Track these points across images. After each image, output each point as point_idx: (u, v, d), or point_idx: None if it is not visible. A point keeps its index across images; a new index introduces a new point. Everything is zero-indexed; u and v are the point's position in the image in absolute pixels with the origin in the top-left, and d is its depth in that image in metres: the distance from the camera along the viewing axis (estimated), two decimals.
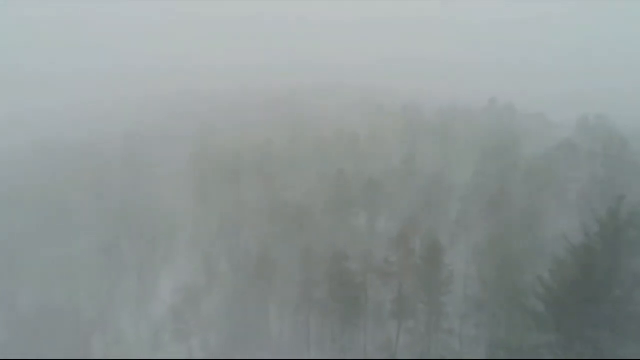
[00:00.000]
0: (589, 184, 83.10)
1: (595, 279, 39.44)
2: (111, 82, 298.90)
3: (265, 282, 71.65)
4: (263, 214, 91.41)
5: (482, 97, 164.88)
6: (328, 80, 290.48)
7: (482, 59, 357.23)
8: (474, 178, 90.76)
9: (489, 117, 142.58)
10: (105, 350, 77.56)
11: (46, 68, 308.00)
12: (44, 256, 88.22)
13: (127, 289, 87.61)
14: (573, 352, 38.67)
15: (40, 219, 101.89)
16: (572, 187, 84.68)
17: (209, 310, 78.19)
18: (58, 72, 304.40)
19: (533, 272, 62.14)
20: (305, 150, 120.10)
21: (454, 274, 58.95)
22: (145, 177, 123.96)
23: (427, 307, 54.64)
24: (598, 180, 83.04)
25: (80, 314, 78.27)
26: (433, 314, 56.07)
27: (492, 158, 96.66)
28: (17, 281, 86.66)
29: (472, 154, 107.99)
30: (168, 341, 72.40)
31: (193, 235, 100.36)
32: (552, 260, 45.85)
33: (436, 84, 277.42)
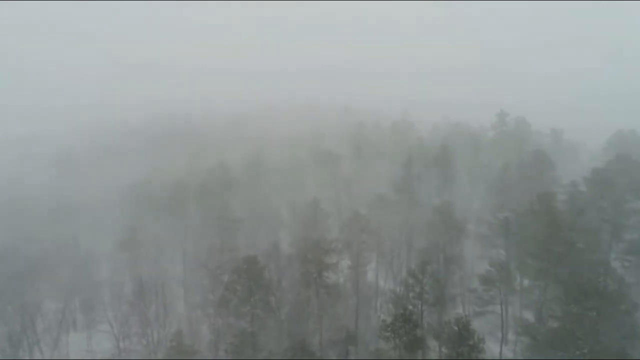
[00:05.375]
0: None
1: None
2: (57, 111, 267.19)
3: None
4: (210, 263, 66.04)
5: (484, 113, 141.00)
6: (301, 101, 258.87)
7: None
8: (497, 212, 66.12)
9: (497, 132, 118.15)
10: None
11: None
12: None
13: None
14: None
15: None
16: (635, 223, 60.91)
17: None
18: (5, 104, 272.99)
19: None
20: (268, 175, 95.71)
21: None
22: (69, 212, 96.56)
23: None
24: None
25: None
26: None
27: (516, 185, 72.98)
28: None
29: (484, 179, 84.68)
30: None
31: (115, 295, 72.94)
32: None
33: (425, 106, 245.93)
